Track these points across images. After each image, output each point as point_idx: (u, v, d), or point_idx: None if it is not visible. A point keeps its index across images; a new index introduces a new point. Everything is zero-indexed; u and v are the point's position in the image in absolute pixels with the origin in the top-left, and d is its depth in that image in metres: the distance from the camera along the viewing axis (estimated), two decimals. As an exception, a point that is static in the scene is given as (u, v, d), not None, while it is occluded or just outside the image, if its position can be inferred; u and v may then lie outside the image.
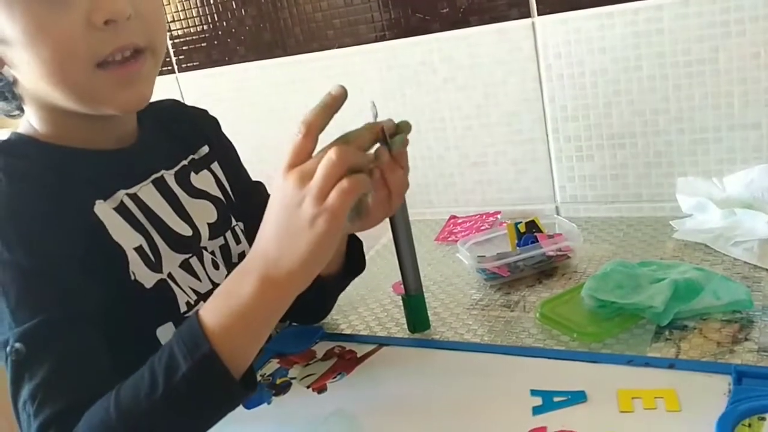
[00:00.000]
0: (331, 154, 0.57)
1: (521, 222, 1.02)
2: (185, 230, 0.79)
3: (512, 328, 0.83)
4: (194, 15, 1.40)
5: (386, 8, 1.19)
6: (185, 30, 1.42)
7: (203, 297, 0.78)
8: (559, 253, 0.97)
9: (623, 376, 0.68)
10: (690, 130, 1.03)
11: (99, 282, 0.67)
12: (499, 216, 1.20)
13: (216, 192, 0.87)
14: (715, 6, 0.96)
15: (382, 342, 0.84)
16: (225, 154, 0.91)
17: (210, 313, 0.57)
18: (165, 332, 0.73)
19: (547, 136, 1.14)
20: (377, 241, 1.23)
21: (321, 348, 0.86)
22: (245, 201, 0.90)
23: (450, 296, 0.95)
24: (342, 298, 1.01)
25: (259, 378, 0.82)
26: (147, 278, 0.72)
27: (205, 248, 0.81)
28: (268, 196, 0.95)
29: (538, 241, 0.97)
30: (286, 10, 1.29)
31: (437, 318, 0.89)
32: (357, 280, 1.06)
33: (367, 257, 1.16)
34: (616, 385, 0.66)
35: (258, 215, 0.90)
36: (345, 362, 0.81)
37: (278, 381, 0.80)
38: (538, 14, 1.08)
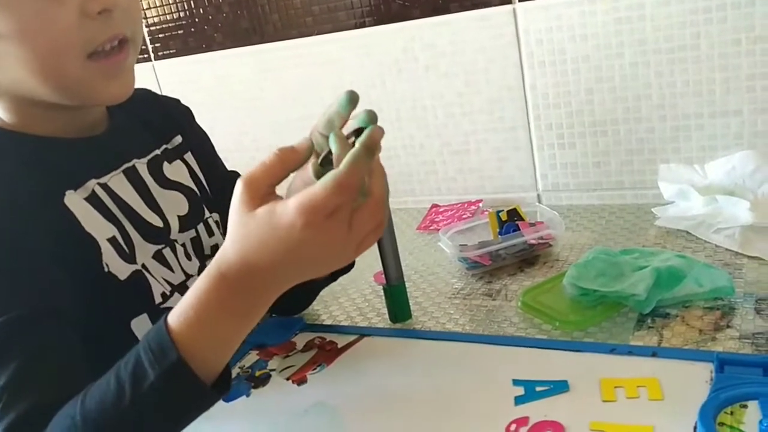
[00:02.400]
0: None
1: (503, 210, 1.01)
2: (156, 221, 0.78)
3: (494, 317, 0.82)
4: (170, 2, 1.37)
5: (366, -6, 1.18)
6: (161, 17, 1.39)
7: (177, 288, 0.76)
8: (540, 241, 0.96)
9: (606, 364, 0.68)
10: (672, 117, 1.03)
11: (71, 275, 0.65)
12: (480, 204, 1.19)
13: (189, 183, 0.85)
14: (696, -9, 0.96)
15: (363, 332, 0.83)
16: (199, 144, 0.89)
17: (179, 318, 0.53)
18: (139, 324, 0.71)
19: (529, 124, 1.13)
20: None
21: (301, 339, 0.85)
22: (221, 192, 0.87)
23: (431, 285, 0.94)
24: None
25: (237, 370, 0.81)
26: (121, 270, 0.71)
27: (176, 241, 0.80)
28: None
29: (519, 230, 0.96)
30: (265, -4, 1.27)
31: (419, 308, 0.88)
32: (337, 270, 1.06)
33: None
34: (598, 374, 0.66)
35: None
36: (325, 353, 0.80)
37: (257, 373, 0.79)
38: (520, 0, 1.07)
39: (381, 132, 0.57)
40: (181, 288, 0.77)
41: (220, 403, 0.73)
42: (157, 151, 0.83)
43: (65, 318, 0.62)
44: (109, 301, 0.69)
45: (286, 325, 0.88)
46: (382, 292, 0.87)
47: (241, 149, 1.41)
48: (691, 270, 0.78)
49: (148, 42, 1.43)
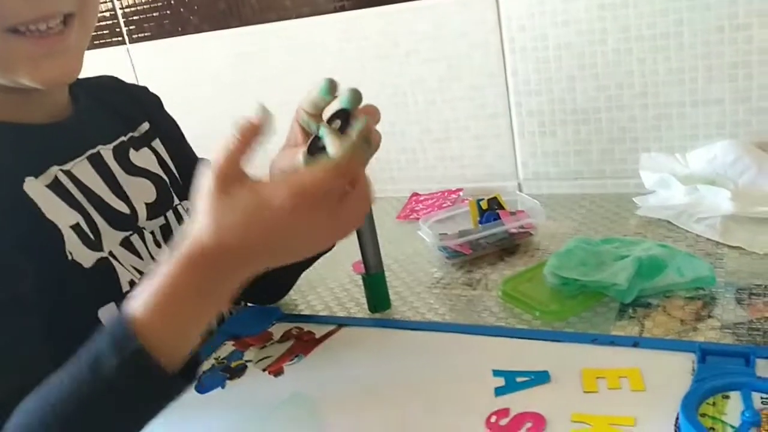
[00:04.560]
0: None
1: (483, 199, 1.00)
2: (123, 208, 0.75)
3: (474, 307, 0.81)
4: (145, -17, 1.34)
5: (346, -23, 1.16)
6: (136, 0, 1.36)
7: (145, 275, 0.74)
8: (521, 230, 0.95)
9: (587, 355, 0.67)
10: (654, 106, 1.02)
11: (33, 263, 0.63)
12: (461, 193, 1.18)
13: (157, 170, 0.82)
14: (680, -22, 0.95)
15: (341, 322, 0.82)
16: (167, 131, 0.87)
17: (142, 305, 0.50)
18: (107, 313, 0.69)
19: (510, 111, 1.12)
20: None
21: (278, 329, 0.83)
22: (191, 179, 0.85)
23: (411, 275, 0.93)
24: (300, 277, 0.98)
25: (213, 362, 0.79)
26: (85, 258, 0.68)
27: (144, 228, 0.77)
28: None
29: (500, 218, 0.95)
30: (242, -22, 1.24)
31: (398, 297, 0.87)
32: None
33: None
34: (580, 364, 0.65)
35: None
36: (303, 344, 0.78)
37: (233, 364, 0.77)
38: (502, -15, 1.06)
39: (377, 117, 0.59)
40: None
41: (195, 395, 0.73)
42: (123, 138, 0.80)
43: (26, 308, 0.60)
44: (74, 290, 0.67)
45: (263, 316, 0.86)
46: (360, 282, 0.85)
47: (217, 134, 1.38)
48: (673, 260, 0.77)
49: (122, 25, 1.40)
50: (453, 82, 1.15)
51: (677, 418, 0.55)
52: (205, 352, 0.80)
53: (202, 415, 0.70)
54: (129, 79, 1.39)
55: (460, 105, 1.16)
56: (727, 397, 0.56)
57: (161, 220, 0.80)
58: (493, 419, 0.60)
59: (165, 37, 1.37)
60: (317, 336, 0.80)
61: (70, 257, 0.67)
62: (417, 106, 1.19)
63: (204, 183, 0.51)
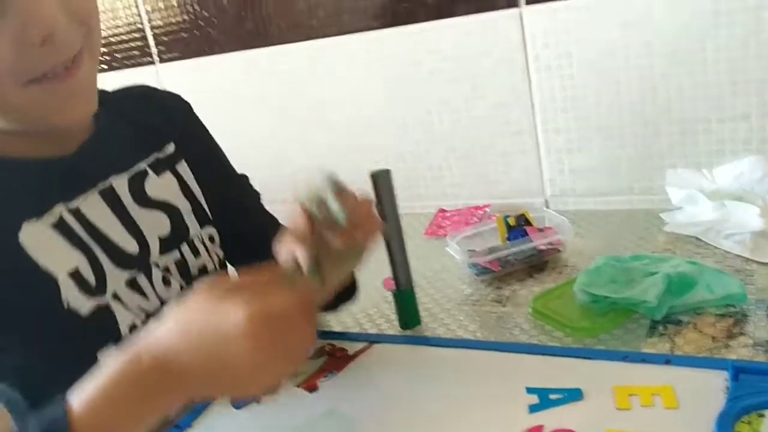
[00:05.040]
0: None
1: (511, 216, 1.01)
2: (131, 245, 0.73)
3: (504, 324, 0.82)
4: (174, 5, 1.37)
5: (372, -2, 1.18)
6: (166, 21, 1.39)
7: (152, 315, 0.73)
8: (549, 247, 0.96)
9: (619, 372, 0.67)
10: (679, 121, 1.03)
11: (26, 316, 0.63)
12: (487, 209, 1.19)
13: (175, 199, 0.80)
14: (704, -5, 0.96)
15: (373, 339, 0.83)
16: (197, 149, 0.84)
17: (82, 399, 0.49)
18: (107, 356, 0.67)
19: (536, 128, 1.13)
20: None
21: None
22: (220, 202, 0.84)
23: (440, 291, 0.94)
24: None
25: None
26: (83, 305, 0.67)
27: (156, 264, 0.75)
28: (252, 192, 0.90)
29: (528, 235, 0.96)
30: (269, -1, 1.27)
31: (428, 314, 0.88)
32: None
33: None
34: (612, 381, 0.65)
35: (235, 216, 0.86)
36: (336, 360, 0.80)
37: (268, 381, 0.78)
38: (526, 3, 1.07)
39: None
40: (156, 315, 0.72)
41: (230, 411, 0.74)
42: (143, 164, 0.78)
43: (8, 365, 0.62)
44: (70, 338, 0.66)
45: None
46: (390, 298, 0.87)
47: (241, 153, 1.40)
48: (702, 276, 0.77)
49: (152, 45, 1.43)
50: (478, 100, 1.16)
51: (712, 436, 0.55)
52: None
53: (237, 429, 0.71)
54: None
55: (486, 123, 1.17)
56: (763, 415, 0.57)
57: (175, 255, 0.78)
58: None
59: (193, 57, 1.40)
60: (350, 353, 0.81)
61: (66, 306, 0.66)
62: (442, 125, 1.21)
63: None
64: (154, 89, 0.87)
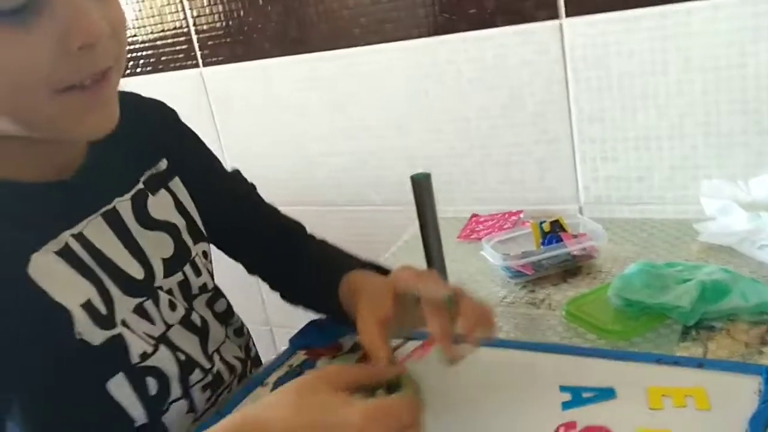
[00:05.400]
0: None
1: (545, 221, 1.02)
2: (137, 271, 0.72)
3: (538, 326, 0.84)
4: (220, 11, 1.41)
5: (413, 7, 1.20)
6: (211, 25, 1.43)
7: (158, 340, 0.73)
8: (583, 252, 0.97)
9: (652, 374, 0.69)
10: (716, 134, 1.04)
11: (37, 351, 0.62)
12: (521, 215, 1.20)
13: (174, 218, 0.79)
14: (745, 9, 0.97)
15: (409, 336, 0.85)
16: (187, 160, 0.82)
17: None
18: (116, 385, 0.68)
19: (572, 137, 1.15)
20: (399, 236, 1.24)
21: (348, 341, 0.87)
22: (214, 212, 0.84)
23: (474, 293, 0.95)
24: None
25: (286, 369, 0.83)
26: (94, 336, 0.66)
27: (161, 288, 0.74)
28: (246, 185, 0.92)
29: (562, 241, 0.98)
30: (312, 7, 1.30)
31: (463, 314, 0.89)
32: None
33: (389, 253, 1.17)
34: (645, 382, 0.67)
35: (232, 210, 0.87)
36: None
37: (306, 372, 0.81)
38: (566, 16, 1.09)
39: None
40: (162, 339, 0.73)
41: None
42: (142, 182, 0.76)
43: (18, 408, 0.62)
44: (80, 368, 0.66)
45: (333, 328, 0.90)
46: (426, 298, 0.89)
47: (280, 156, 1.45)
48: (736, 284, 0.78)
49: (197, 48, 1.47)
50: (515, 108, 1.18)
51: (744, 437, 0.57)
52: (277, 363, 0.85)
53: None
54: (201, 101, 1.48)
55: (522, 130, 1.19)
56: (794, 418, 0.58)
57: (179, 276, 0.77)
58: (561, 431, 0.62)
59: (237, 62, 1.44)
60: (386, 348, 0.83)
61: (79, 337, 0.65)
62: (479, 131, 1.23)
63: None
64: (140, 97, 0.82)
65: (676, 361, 0.70)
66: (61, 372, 0.64)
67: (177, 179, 0.81)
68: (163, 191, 0.79)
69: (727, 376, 0.66)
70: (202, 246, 0.83)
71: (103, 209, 0.71)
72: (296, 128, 1.42)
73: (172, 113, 0.85)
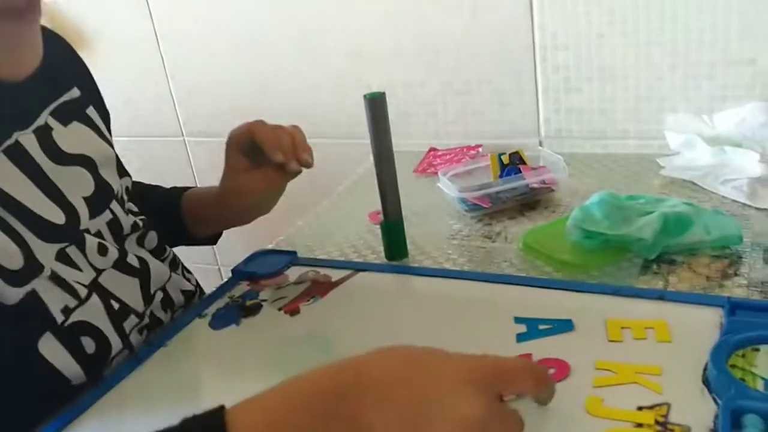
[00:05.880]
0: None
1: (505, 153, 0.98)
2: (57, 216, 0.65)
3: (493, 258, 0.80)
4: None
5: None
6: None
7: (89, 288, 0.67)
8: (543, 185, 0.93)
9: (611, 306, 0.66)
10: (684, 65, 1.00)
11: None
12: (480, 149, 1.16)
13: (90, 150, 0.70)
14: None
15: (358, 267, 0.81)
16: (95, 93, 0.77)
17: (245, 407, 0.42)
18: (46, 345, 0.62)
19: (535, 66, 1.09)
20: (354, 170, 1.18)
21: (294, 272, 0.82)
22: None
23: (429, 226, 0.91)
24: (317, 225, 0.97)
25: (227, 299, 0.78)
26: (8, 295, 0.59)
27: (87, 230, 0.68)
28: None
29: (521, 173, 0.94)
30: None
31: (415, 247, 0.85)
32: (332, 208, 1.02)
33: (343, 186, 1.12)
34: (604, 315, 0.64)
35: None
36: (319, 286, 0.77)
37: (248, 303, 0.76)
38: (533, -66, 1.03)
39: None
40: (93, 287, 0.67)
41: (209, 331, 0.72)
42: (49, 111, 0.67)
43: None
44: (2, 329, 0.60)
45: (278, 258, 0.85)
46: (377, 232, 0.84)
47: (233, 82, 1.36)
48: (700, 217, 0.75)
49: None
50: (479, 33, 1.11)
51: (705, 368, 0.54)
52: (218, 293, 0.79)
53: (216, 350, 0.69)
54: (147, 29, 1.38)
55: (484, 58, 1.13)
56: (757, 349, 0.55)
57: (107, 215, 0.70)
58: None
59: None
60: (334, 279, 0.79)
61: None
62: (438, 56, 1.16)
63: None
64: (42, 28, 0.71)
65: (636, 293, 0.67)
66: None
67: (92, 108, 0.74)
68: (76, 123, 0.70)
69: (689, 308, 0.63)
70: (126, 180, 0.77)
71: (5, 143, 0.61)
72: (245, 51, 1.33)
73: (73, 49, 0.79)
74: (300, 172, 0.76)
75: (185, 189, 0.91)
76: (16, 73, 0.56)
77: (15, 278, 0.60)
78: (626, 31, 1.01)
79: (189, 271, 0.87)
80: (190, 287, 0.82)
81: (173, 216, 0.88)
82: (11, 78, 0.56)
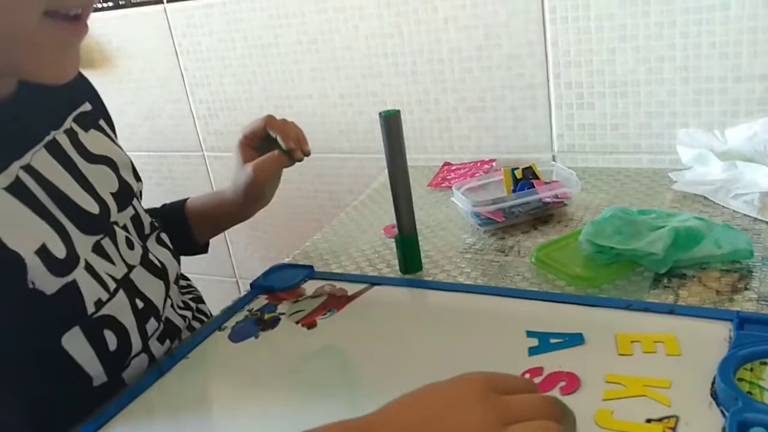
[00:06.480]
0: None
1: (518, 168, 0.99)
2: (92, 206, 0.69)
3: (506, 272, 0.81)
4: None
5: (387, -59, 1.14)
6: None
7: (119, 283, 0.69)
8: (555, 199, 0.95)
9: (622, 320, 0.67)
10: (695, 80, 1.01)
11: None
12: (494, 164, 1.17)
13: (113, 152, 0.76)
14: (730, -50, 0.93)
15: (373, 281, 0.82)
16: (105, 110, 0.82)
17: None
18: (71, 340, 0.64)
19: (548, 82, 1.11)
20: (369, 184, 1.20)
21: (311, 286, 0.84)
22: None
23: (443, 240, 0.93)
24: (333, 239, 0.99)
25: (246, 313, 0.80)
26: (48, 284, 0.61)
27: (116, 223, 0.72)
28: None
29: (534, 187, 0.95)
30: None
31: (429, 261, 0.87)
32: (347, 222, 1.04)
33: (359, 200, 1.14)
34: (614, 328, 0.65)
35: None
36: (336, 299, 0.79)
37: (266, 316, 0.78)
38: (545, -48, 1.04)
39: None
40: (124, 283, 0.70)
41: (229, 344, 0.74)
42: (72, 121, 0.72)
43: None
44: (33, 321, 0.61)
45: (295, 272, 0.87)
46: (392, 245, 0.86)
47: (250, 98, 1.39)
48: (710, 231, 0.76)
49: (160, -16, 1.40)
50: (491, 50, 1.13)
51: (713, 382, 0.55)
52: (237, 306, 0.81)
53: (234, 363, 0.71)
54: (167, 47, 1.41)
55: (497, 74, 1.15)
56: (765, 363, 0.56)
57: (131, 211, 0.75)
58: (526, 378, 0.60)
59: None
60: (350, 293, 0.80)
61: (32, 286, 0.60)
62: (453, 74, 1.18)
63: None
64: None
65: (647, 307, 0.68)
66: (10, 325, 0.60)
67: (103, 121, 0.79)
68: (93, 130, 0.76)
69: (698, 322, 0.64)
70: (140, 185, 0.82)
71: (45, 139, 0.67)
72: (263, 68, 1.36)
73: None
74: (301, 160, 0.86)
75: (183, 201, 0.97)
76: (56, 79, 0.60)
77: (60, 267, 0.62)
78: (638, 47, 1.03)
79: (187, 278, 0.92)
80: (190, 299, 0.85)
81: (180, 224, 0.93)
82: (53, 81, 0.59)
